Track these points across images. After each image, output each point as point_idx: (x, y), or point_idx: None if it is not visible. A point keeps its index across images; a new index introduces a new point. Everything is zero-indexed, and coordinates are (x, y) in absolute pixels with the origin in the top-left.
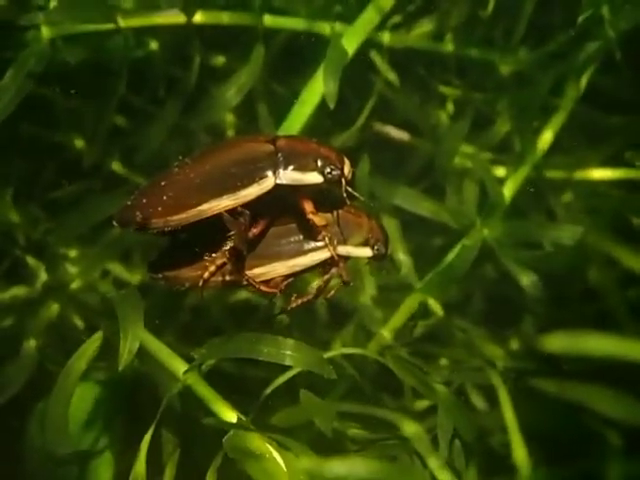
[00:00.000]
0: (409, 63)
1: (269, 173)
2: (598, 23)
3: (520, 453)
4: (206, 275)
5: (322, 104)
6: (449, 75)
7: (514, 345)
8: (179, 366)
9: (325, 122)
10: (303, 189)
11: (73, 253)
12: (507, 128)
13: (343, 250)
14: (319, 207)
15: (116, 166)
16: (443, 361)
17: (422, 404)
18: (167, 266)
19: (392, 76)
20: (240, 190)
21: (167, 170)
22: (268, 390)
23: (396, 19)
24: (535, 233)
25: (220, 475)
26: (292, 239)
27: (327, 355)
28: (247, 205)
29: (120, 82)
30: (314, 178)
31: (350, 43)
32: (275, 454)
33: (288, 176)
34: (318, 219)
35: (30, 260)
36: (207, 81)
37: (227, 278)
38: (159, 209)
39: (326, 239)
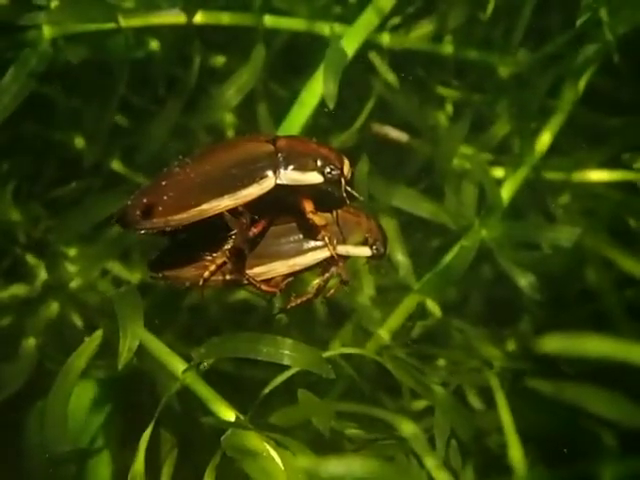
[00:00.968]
0: (408, 64)
1: (269, 173)
2: (597, 26)
3: (516, 454)
4: (206, 274)
5: (322, 105)
6: (448, 76)
7: (512, 346)
8: (178, 365)
9: (325, 122)
10: (303, 189)
11: (73, 252)
12: (506, 129)
13: (342, 249)
14: (318, 207)
15: (117, 165)
16: (441, 362)
17: (420, 404)
18: (167, 265)
19: (391, 77)
20: (240, 190)
21: (167, 170)
22: (266, 389)
23: (395, 20)
24: (533, 234)
25: (218, 474)
26: (292, 238)
27: (325, 355)
28: (247, 205)
29: (121, 81)
30: (314, 178)
31: (350, 44)
32: (273, 453)
33: (288, 176)
34: (318, 219)
35: (30, 259)
36: (207, 81)
37: (227, 277)
38: (160, 209)
39: (326, 238)
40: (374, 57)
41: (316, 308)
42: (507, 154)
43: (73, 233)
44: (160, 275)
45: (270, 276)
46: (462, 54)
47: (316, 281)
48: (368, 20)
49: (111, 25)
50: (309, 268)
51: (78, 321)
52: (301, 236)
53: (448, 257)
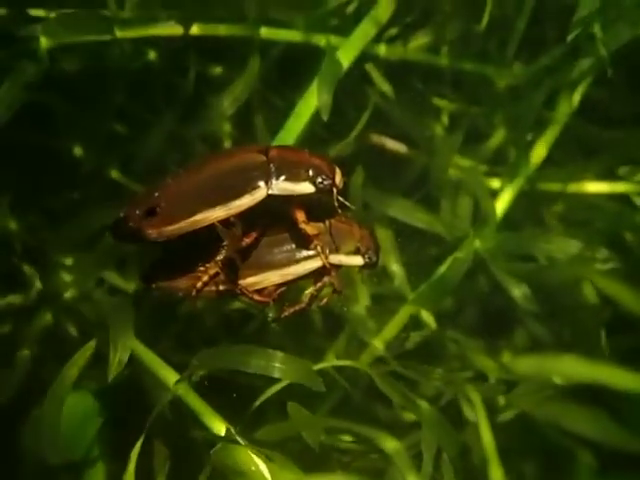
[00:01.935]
0: (405, 75)
1: (261, 183)
2: (591, 39)
3: (496, 472)
4: (199, 285)
5: (318, 115)
6: (444, 88)
7: (506, 358)
8: (170, 376)
9: (321, 133)
10: (295, 199)
11: (69, 261)
12: (502, 141)
13: (335, 259)
14: (310, 216)
15: (115, 174)
16: (435, 372)
17: (412, 415)
18: (160, 276)
19: (387, 88)
20: (233, 200)
21: (160, 181)
22: (256, 403)
23: (392, 32)
24: (528, 245)
25: None
26: (284, 248)
27: (317, 367)
28: (239, 215)
29: (118, 91)
30: (306, 188)
31: (346, 55)
32: (262, 468)
33: (280, 186)
34: (310, 228)
35: (26, 268)
36: (204, 91)
37: (220, 288)
38: (153, 220)
39: (318, 248)
40: (370, 68)
41: (311, 318)
42: (503, 165)
43: (69, 242)
44: (153, 286)
45: (263, 286)
46: (458, 65)
47: (309, 290)
48: (364, 31)
49: (107, 36)
50: (302, 278)
51: (73, 331)
52: (293, 246)
53: (442, 268)
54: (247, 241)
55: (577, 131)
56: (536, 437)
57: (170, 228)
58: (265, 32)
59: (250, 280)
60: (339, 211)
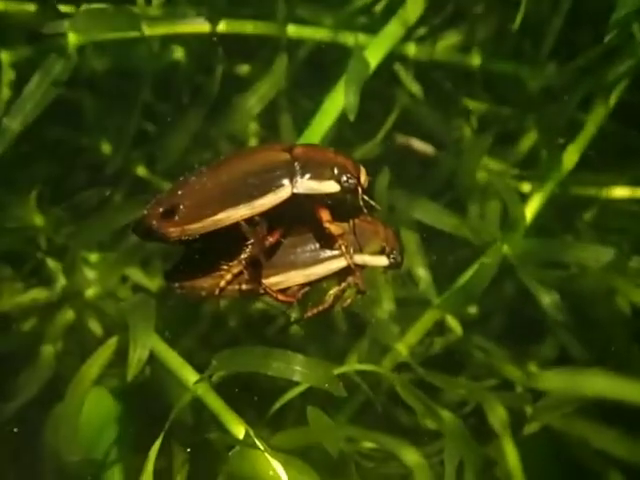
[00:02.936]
0: (434, 76)
1: (286, 182)
2: (629, 40)
3: None
4: (222, 284)
5: (344, 116)
6: (474, 89)
7: (533, 368)
8: (190, 376)
9: (347, 134)
10: (319, 198)
11: (93, 258)
12: (533, 144)
13: (359, 259)
14: (335, 216)
15: (141, 171)
16: (459, 380)
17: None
18: (183, 275)
19: (416, 89)
20: (257, 199)
21: (184, 179)
22: (276, 406)
23: (422, 31)
24: (559, 252)
25: None
26: (308, 248)
27: (338, 371)
28: (263, 214)
29: (145, 89)
30: (331, 187)
31: (373, 55)
32: (280, 473)
33: (305, 185)
34: (335, 228)
35: (51, 263)
36: (230, 90)
37: (244, 287)
38: (176, 218)
39: (342, 248)
40: (399, 68)
41: (334, 320)
42: (533, 169)
43: (94, 239)
44: (176, 285)
45: (286, 286)
46: (489, 66)
47: (333, 291)
48: (393, 31)
49: (135, 34)
50: (326, 278)
51: (96, 328)
52: (317, 245)
53: (469, 273)
54: (271, 240)
55: (612, 135)
56: (562, 452)
57: (193, 227)
58: (292, 30)
59: (273, 280)
60: (364, 211)
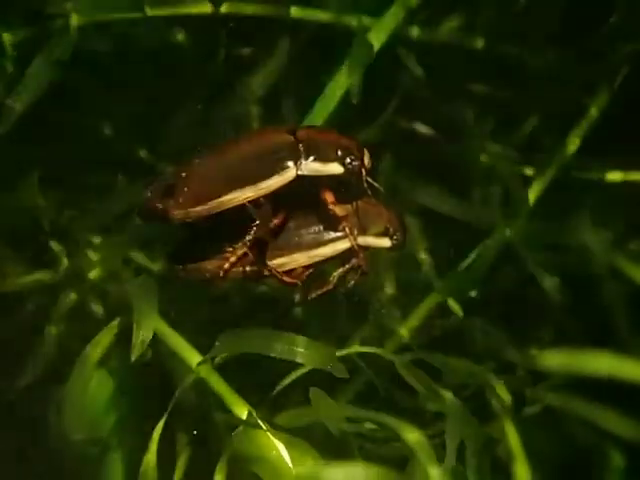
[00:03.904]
0: (437, 59)
1: (290, 164)
2: (634, 22)
3: (521, 469)
4: (227, 266)
5: (347, 98)
6: (477, 72)
7: (534, 350)
8: (193, 357)
9: (350, 116)
10: (323, 179)
11: (96, 240)
12: (537, 127)
13: (362, 240)
14: (338, 197)
15: (143, 154)
16: (461, 362)
17: (436, 404)
18: (187, 257)
19: (419, 71)
20: (262, 181)
21: (187, 162)
22: (278, 387)
23: (425, 14)
24: (560, 235)
25: (231, 469)
26: (312, 229)
27: (341, 353)
28: (267, 196)
29: (147, 71)
30: (335, 168)
31: (377, 37)
32: (283, 452)
33: (310, 167)
34: (339, 209)
35: (54, 245)
36: (233, 72)
37: (248, 269)
38: (180, 201)
39: (347, 229)
40: (402, 51)
41: (336, 303)
42: (536, 152)
43: (97, 221)
44: (180, 267)
45: (290, 267)
46: (492, 49)
47: (337, 272)
48: (396, 13)
49: (138, 14)
50: (330, 259)
51: (100, 310)
52: (321, 227)
53: (471, 256)
54: (276, 222)
55: (616, 118)
56: (563, 433)
57: (198, 209)
58: (295, 12)
59: (278, 261)
60: (367, 192)
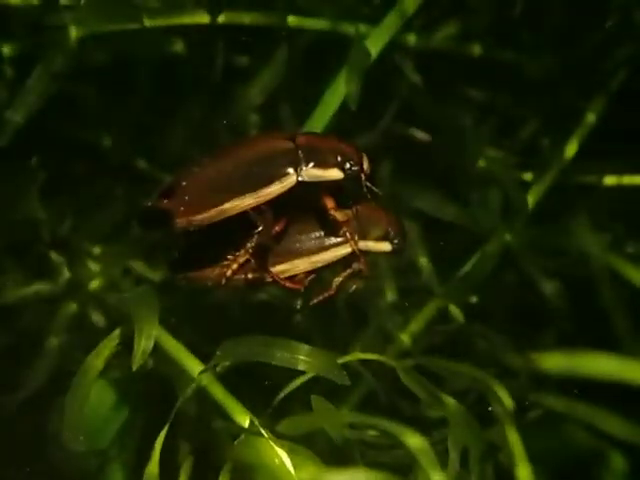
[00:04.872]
0: (434, 65)
1: (290, 170)
2: (629, 26)
3: (523, 473)
4: (229, 273)
5: (345, 105)
6: (475, 78)
7: (535, 355)
8: (195, 366)
9: (348, 124)
10: (322, 185)
11: (96, 250)
12: (535, 132)
13: (363, 245)
14: (338, 203)
15: (142, 164)
16: (463, 368)
17: (438, 412)
18: (188, 265)
19: (416, 78)
20: (262, 188)
21: (186, 169)
22: (280, 395)
23: (422, 21)
24: (560, 240)
25: (235, 477)
26: (313, 235)
27: (342, 360)
28: (268, 202)
29: (146, 81)
30: (335, 174)
31: (374, 44)
32: (286, 460)
33: (310, 173)
34: (340, 215)
35: (54, 256)
36: (231, 81)
37: (250, 276)
38: (181, 209)
39: (347, 234)
40: (400, 58)
41: (337, 310)
42: (535, 157)
43: (97, 232)
44: (181, 275)
45: (292, 273)
46: (489, 55)
47: (338, 277)
48: (393, 20)
49: (136, 25)
50: (331, 264)
51: (100, 320)
52: (322, 232)
53: (471, 261)
54: (277, 229)
55: (614, 122)
56: (565, 437)
57: (199, 217)
58: (293, 20)
59: (279, 268)
60: (368, 197)
